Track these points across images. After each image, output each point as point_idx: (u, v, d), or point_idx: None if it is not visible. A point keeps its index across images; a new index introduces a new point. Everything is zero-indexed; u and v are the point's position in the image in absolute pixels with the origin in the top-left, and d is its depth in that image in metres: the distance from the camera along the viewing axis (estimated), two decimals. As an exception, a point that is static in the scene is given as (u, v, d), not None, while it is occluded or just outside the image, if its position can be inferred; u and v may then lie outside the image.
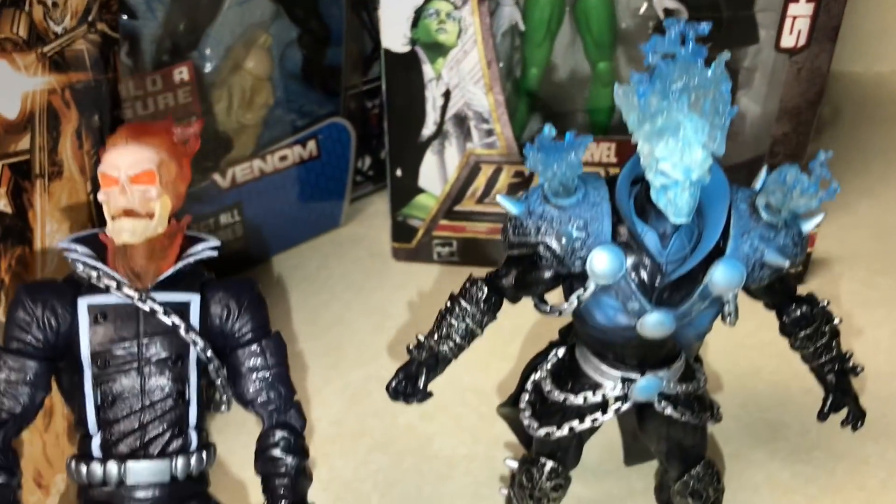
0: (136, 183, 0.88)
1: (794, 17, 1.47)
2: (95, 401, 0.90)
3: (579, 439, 1.01)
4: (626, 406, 0.95)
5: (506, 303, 1.64)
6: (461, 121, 1.55)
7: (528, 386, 1.01)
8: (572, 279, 0.88)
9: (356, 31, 1.74)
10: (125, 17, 1.43)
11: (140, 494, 0.90)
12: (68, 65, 1.09)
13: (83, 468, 0.90)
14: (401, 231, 1.69)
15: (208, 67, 1.57)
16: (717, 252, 0.85)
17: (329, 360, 1.50)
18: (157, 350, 0.90)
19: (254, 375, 0.95)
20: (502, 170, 1.58)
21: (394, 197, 1.66)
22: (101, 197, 0.89)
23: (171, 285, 0.91)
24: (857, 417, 0.98)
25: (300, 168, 1.71)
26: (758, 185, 0.87)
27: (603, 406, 0.96)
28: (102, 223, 0.93)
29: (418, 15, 1.45)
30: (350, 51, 1.74)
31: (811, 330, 0.93)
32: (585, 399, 0.95)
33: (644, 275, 0.85)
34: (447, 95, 1.52)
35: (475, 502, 1.24)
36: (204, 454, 0.94)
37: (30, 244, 1.04)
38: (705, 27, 0.77)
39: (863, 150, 2.09)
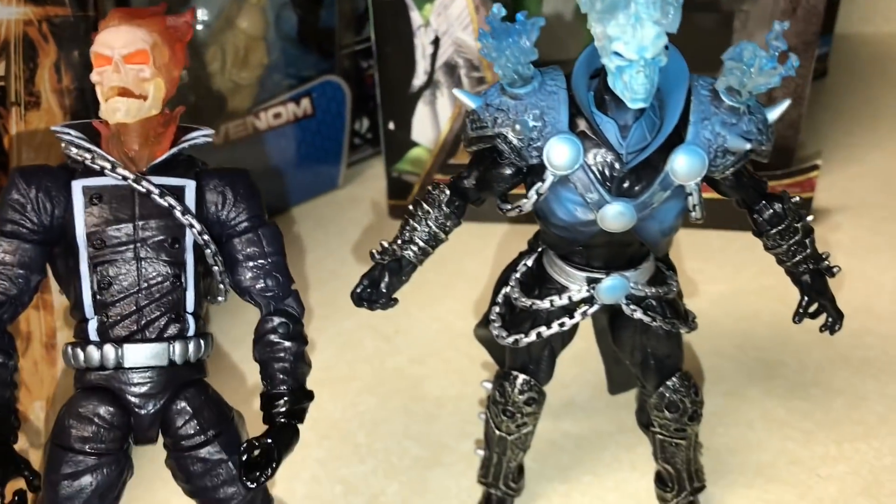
0: (129, 62, 0.87)
1: (788, -45, 1.45)
2: (92, 284, 0.88)
3: (551, 351, 0.99)
4: (592, 309, 0.93)
5: (498, 249, 1.63)
6: (452, 69, 1.54)
7: (499, 299, 0.99)
8: (532, 175, 0.86)
9: (349, -11, 1.74)
10: (115, -28, 1.45)
11: (137, 378, 0.89)
12: (45, -2, 1.10)
13: (80, 353, 0.89)
14: (396, 187, 1.68)
15: (200, 25, 1.58)
16: (679, 140, 0.83)
17: (322, 311, 1.50)
18: (152, 232, 0.89)
19: (251, 263, 0.94)
20: (495, 119, 1.57)
21: (388, 152, 1.65)
22: (94, 77, 0.88)
23: (166, 170, 0.90)
24: (834, 320, 0.95)
25: (295, 126, 1.71)
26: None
27: (570, 310, 0.94)
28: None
29: (404, -40, 1.45)
30: (343, 9, 1.74)
31: (783, 226, 0.90)
32: (552, 303, 0.93)
33: (603, 165, 0.83)
34: (436, 43, 1.52)
35: (461, 439, 1.23)
36: (201, 341, 0.92)
37: (4, 169, 1.05)
38: None
39: (873, 105, 2.05)
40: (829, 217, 1.67)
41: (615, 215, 0.84)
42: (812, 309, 0.95)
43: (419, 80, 1.55)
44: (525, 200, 0.87)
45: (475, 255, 1.61)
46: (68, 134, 0.89)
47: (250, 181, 0.95)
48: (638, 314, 0.93)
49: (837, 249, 1.57)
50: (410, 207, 0.91)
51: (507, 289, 0.98)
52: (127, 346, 0.88)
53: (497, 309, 0.98)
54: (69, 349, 0.90)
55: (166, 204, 0.89)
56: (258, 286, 0.94)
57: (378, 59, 1.55)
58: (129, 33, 0.88)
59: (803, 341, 1.36)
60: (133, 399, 0.89)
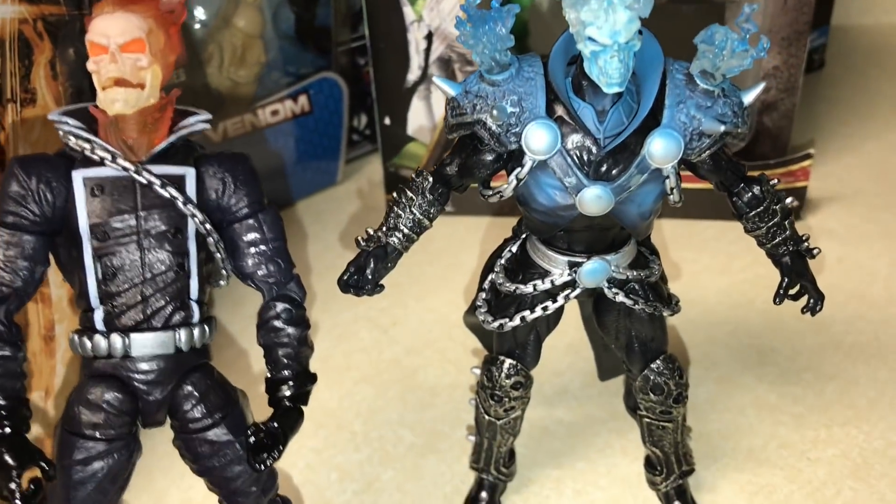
0: (125, 51, 0.86)
1: (776, -57, 1.46)
2: (96, 274, 0.89)
3: (537, 336, 1.00)
4: (575, 293, 0.94)
5: (492, 241, 1.64)
6: (446, 64, 1.56)
7: (485, 285, 1.00)
8: (512, 161, 0.88)
9: (344, -14, 1.76)
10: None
11: (144, 366, 0.90)
12: (40, -4, 1.12)
13: (87, 342, 0.90)
14: (393, 182, 1.70)
15: (197, 24, 1.60)
16: (655, 124, 0.84)
17: (319, 304, 1.52)
18: (155, 223, 0.90)
19: (252, 249, 0.94)
20: (489, 113, 1.58)
21: (384, 147, 1.67)
22: (90, 66, 0.87)
23: (165, 158, 0.90)
24: (815, 300, 0.96)
25: (293, 123, 1.73)
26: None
27: (553, 294, 0.95)
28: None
29: (396, -44, 1.46)
30: (339, 6, 1.76)
31: (762, 208, 0.91)
32: (535, 287, 0.94)
33: (580, 150, 0.85)
34: (429, 38, 1.53)
35: (455, 426, 1.24)
36: (206, 327, 0.93)
37: (2, 165, 1.07)
38: None
39: (870, 96, 2.06)
40: (823, 205, 1.67)
41: (593, 199, 0.85)
42: (793, 290, 0.96)
43: (413, 75, 1.57)
44: (505, 186, 0.88)
45: (468, 247, 1.63)
46: (66, 123, 0.89)
47: (250, 166, 0.95)
48: (620, 297, 0.94)
49: (831, 237, 1.58)
50: (395, 195, 0.93)
51: (493, 275, 0.99)
52: (133, 336, 0.89)
53: (483, 295, 1.00)
54: (76, 337, 0.91)
55: (168, 195, 0.89)
56: (260, 272, 0.95)
57: (372, 55, 1.57)
58: (125, 21, 0.87)
59: (796, 328, 1.37)
60: (141, 386, 0.90)
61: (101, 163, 0.88)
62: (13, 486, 0.86)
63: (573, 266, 0.93)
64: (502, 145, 0.86)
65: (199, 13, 1.59)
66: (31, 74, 1.11)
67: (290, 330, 0.96)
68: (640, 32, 0.79)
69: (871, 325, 1.37)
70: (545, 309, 0.95)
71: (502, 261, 0.98)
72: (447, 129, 0.89)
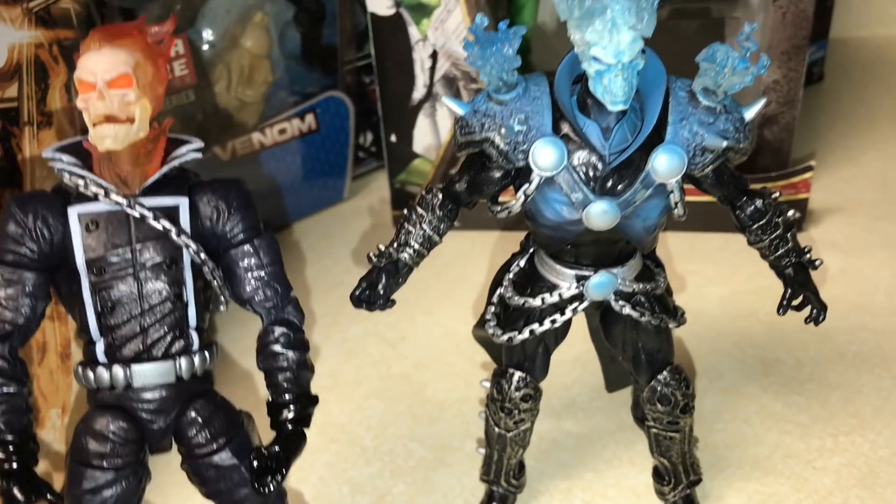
0: (113, 87, 0.87)
1: (774, -40, 1.48)
2: (95, 308, 0.90)
3: (545, 349, 1.02)
4: (582, 306, 0.96)
5: (498, 255, 1.66)
6: (450, 82, 1.58)
7: (494, 299, 1.02)
8: (520, 178, 0.90)
9: (349, 6, 1.79)
10: (122, -4, 1.50)
11: (148, 395, 0.92)
12: (55, 21, 1.15)
13: (90, 374, 0.91)
14: (400, 198, 1.72)
15: (205, 45, 1.62)
16: (658, 140, 0.86)
17: (328, 318, 1.54)
18: (150, 255, 0.91)
19: (249, 275, 0.95)
20: (493, 129, 1.61)
21: (390, 163, 1.69)
22: (79, 104, 0.88)
23: (159, 189, 0.91)
24: (818, 311, 0.98)
25: (300, 141, 1.75)
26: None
27: (561, 307, 0.97)
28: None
29: (401, -23, 1.49)
30: (344, 26, 1.79)
31: (764, 221, 0.93)
32: (543, 300, 0.96)
33: (586, 166, 0.87)
34: (434, 57, 1.56)
35: (465, 439, 1.26)
36: (206, 353, 0.95)
37: (19, 186, 1.10)
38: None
39: (869, 108, 2.08)
40: (825, 217, 1.69)
41: (599, 213, 0.87)
42: (796, 301, 0.98)
43: (419, 93, 1.60)
44: (513, 202, 0.90)
45: (476, 262, 1.65)
46: (60, 161, 0.90)
47: (243, 191, 0.96)
48: (627, 310, 0.96)
49: (833, 248, 1.59)
50: (405, 212, 0.95)
51: (501, 289, 1.01)
52: (135, 367, 0.91)
53: (492, 309, 1.02)
54: (79, 369, 0.93)
55: (161, 227, 0.90)
56: (258, 297, 0.96)
57: (378, 74, 1.59)
58: (111, 56, 0.87)
59: (800, 338, 1.39)
60: (145, 415, 0.92)
61: (95, 198, 0.89)
62: None
63: (580, 279, 0.95)
64: (510, 162, 0.88)
65: (208, 34, 1.62)
66: (48, 97, 1.14)
67: (290, 354, 0.96)
68: (643, 51, 0.82)
69: (874, 335, 1.39)
70: (553, 322, 0.97)
71: (511, 275, 1.00)
72: (456, 147, 0.91)
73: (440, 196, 0.93)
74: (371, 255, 0.95)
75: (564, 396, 1.32)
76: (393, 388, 1.38)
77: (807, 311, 0.99)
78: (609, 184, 0.87)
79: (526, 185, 0.88)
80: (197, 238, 0.92)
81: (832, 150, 1.91)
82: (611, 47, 0.79)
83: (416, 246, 0.94)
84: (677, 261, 1.60)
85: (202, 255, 0.92)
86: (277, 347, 0.96)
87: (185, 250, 0.92)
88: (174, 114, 1.59)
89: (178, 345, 0.93)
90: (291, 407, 0.96)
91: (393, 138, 1.65)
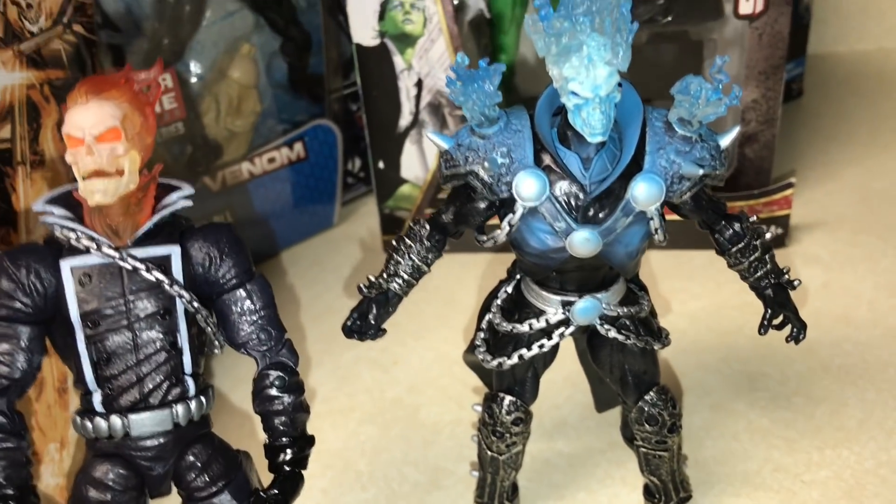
0: (101, 142, 0.87)
1: (750, -17, 1.52)
2: (91, 359, 0.91)
3: (534, 373, 1.04)
4: (569, 331, 0.99)
5: (487, 278, 1.68)
6: (436, 109, 1.61)
7: (483, 325, 1.05)
8: (504, 208, 0.93)
9: (335, 36, 1.82)
10: (111, 32, 1.53)
11: (146, 444, 0.93)
12: (46, 62, 1.17)
13: (88, 424, 0.92)
14: (389, 223, 1.75)
15: (194, 78, 1.65)
16: (637, 169, 0.89)
17: (321, 345, 1.55)
18: (144, 305, 0.91)
19: (243, 319, 0.96)
20: (479, 154, 1.63)
21: (379, 189, 1.72)
22: (68, 158, 0.89)
23: (150, 238, 0.92)
24: (799, 329, 1.00)
25: (289, 170, 1.78)
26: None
27: (548, 332, 0.99)
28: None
29: (384, 8, 1.52)
30: (330, 55, 1.82)
31: (743, 244, 0.96)
32: (531, 326, 0.99)
33: (568, 196, 0.90)
34: (419, 84, 1.59)
35: (458, 462, 1.28)
36: (203, 399, 0.96)
37: (13, 225, 1.11)
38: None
39: (848, 123, 2.12)
40: (807, 232, 1.72)
41: (582, 241, 0.90)
42: (777, 321, 1.01)
43: (405, 120, 1.62)
44: (499, 231, 0.93)
45: (465, 285, 1.67)
46: (51, 214, 0.91)
47: (234, 236, 0.97)
48: (612, 333, 0.99)
49: (816, 263, 1.62)
50: (394, 243, 0.97)
51: (490, 315, 1.03)
52: (132, 416, 0.92)
53: (481, 335, 1.04)
54: (77, 419, 0.94)
55: (154, 279, 0.91)
56: (252, 341, 0.97)
57: (365, 103, 1.62)
58: (99, 110, 0.87)
59: (785, 353, 1.41)
60: (144, 462, 0.93)
61: (87, 251, 0.90)
62: None
63: (566, 305, 0.97)
64: (494, 194, 0.91)
65: (196, 67, 1.64)
66: (40, 137, 1.16)
67: (286, 398, 0.98)
68: (619, 84, 0.84)
69: (857, 348, 1.41)
70: (541, 347, 0.99)
71: (498, 301, 1.03)
72: (441, 179, 0.94)
73: (427, 227, 0.96)
74: (361, 285, 0.98)
75: (555, 416, 1.34)
76: (386, 413, 1.39)
77: (787, 329, 1.01)
78: (591, 212, 0.90)
79: (510, 216, 0.91)
80: (190, 285, 0.93)
81: (812, 165, 1.94)
82: (588, 82, 0.82)
83: (405, 276, 0.96)
84: (662, 278, 1.63)
85: (195, 304, 0.93)
86: (273, 391, 0.97)
87: (178, 300, 0.92)
88: (164, 147, 1.61)
89: (175, 392, 0.94)
90: (288, 450, 0.98)
91: (381, 165, 1.68)
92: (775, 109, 1.62)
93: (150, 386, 0.93)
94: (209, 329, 0.96)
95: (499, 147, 0.89)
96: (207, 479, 0.94)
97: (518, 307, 1.01)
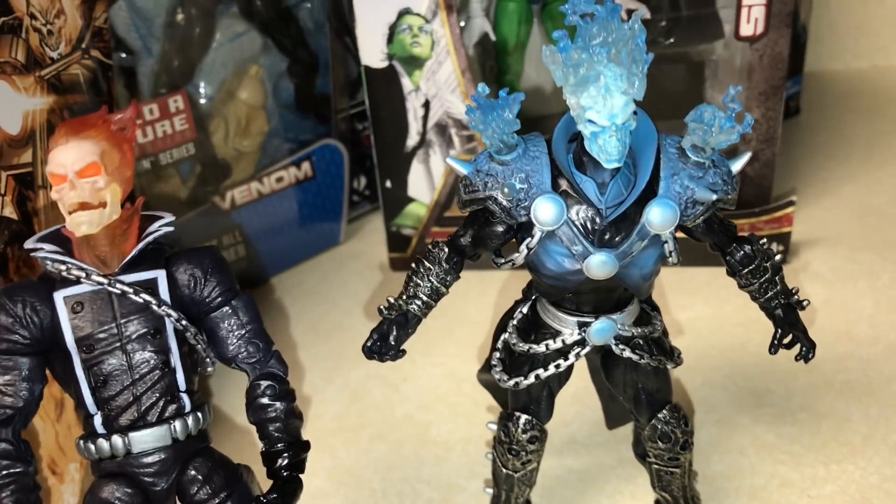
0: (83, 177, 0.92)
1: (750, 7, 1.55)
2: (89, 383, 0.96)
3: (549, 392, 1.06)
4: (585, 350, 1.01)
5: (497, 296, 1.70)
6: (442, 129, 1.63)
7: (499, 345, 1.07)
8: (522, 232, 0.95)
9: (341, 57, 1.85)
10: (123, 55, 1.55)
11: (148, 460, 0.97)
12: (65, 87, 1.19)
13: (91, 446, 0.96)
14: (395, 241, 1.77)
15: (203, 99, 1.67)
16: (652, 194, 0.92)
17: (330, 363, 1.57)
18: (135, 327, 0.96)
19: (231, 335, 1.01)
20: (486, 173, 1.66)
21: (386, 208, 1.74)
22: (53, 195, 0.94)
23: (137, 265, 0.97)
24: (808, 349, 1.03)
25: (297, 189, 1.80)
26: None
27: (564, 352, 1.02)
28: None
29: (392, 31, 1.55)
30: (337, 76, 1.84)
31: (754, 266, 0.99)
32: (547, 346, 1.01)
33: (585, 220, 0.92)
34: (427, 106, 1.61)
35: (471, 479, 1.30)
36: (199, 414, 1.00)
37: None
38: (621, -15, 0.85)
39: (845, 140, 2.15)
40: (807, 249, 1.75)
41: (599, 264, 0.93)
42: (786, 340, 1.03)
43: (412, 140, 1.65)
44: (517, 255, 0.95)
45: (475, 303, 1.69)
46: (42, 250, 0.96)
47: (217, 256, 1.02)
48: (627, 353, 1.01)
49: (816, 279, 1.65)
50: (413, 265, 1.00)
51: (506, 335, 1.06)
52: (132, 434, 0.96)
53: (497, 354, 1.06)
54: (81, 443, 0.98)
55: (142, 300, 0.96)
56: (241, 355, 1.01)
57: (373, 123, 1.64)
58: (78, 148, 0.93)
59: (789, 369, 1.44)
60: (147, 479, 0.97)
61: (78, 281, 0.95)
62: None
63: (582, 325, 1.00)
64: (513, 218, 0.93)
65: (205, 88, 1.67)
66: (60, 161, 1.18)
67: (278, 405, 1.02)
68: (634, 113, 0.87)
69: (859, 363, 1.44)
70: (558, 367, 1.01)
71: (514, 322, 1.05)
72: (460, 204, 0.96)
73: (446, 250, 0.98)
74: (381, 307, 1.00)
75: (565, 433, 1.36)
76: (397, 430, 1.41)
77: (796, 348, 1.04)
78: (607, 236, 0.92)
79: (528, 240, 0.93)
80: (177, 306, 0.98)
81: (811, 182, 1.98)
82: (605, 111, 0.84)
83: (425, 298, 0.99)
84: (666, 295, 1.65)
85: (183, 322, 0.98)
86: (265, 400, 1.01)
87: (167, 320, 0.97)
88: (175, 167, 1.63)
89: (171, 409, 0.98)
90: (285, 455, 1.01)
91: (388, 184, 1.70)
92: (775, 129, 1.66)
93: (147, 404, 0.97)
94: (199, 346, 1.00)
95: (517, 173, 0.91)
96: (210, 490, 0.97)
97: (534, 327, 1.04)
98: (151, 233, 0.98)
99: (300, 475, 1.02)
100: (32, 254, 0.96)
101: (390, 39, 1.56)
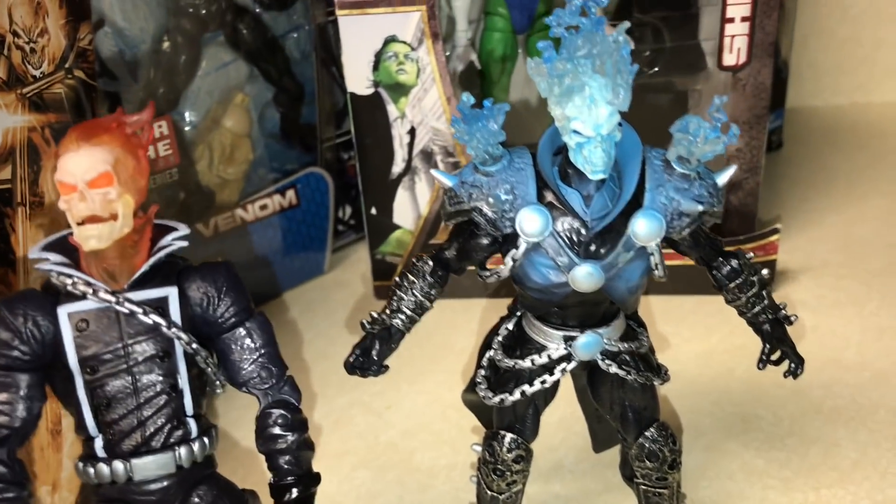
0: (94, 187, 0.86)
1: (733, 37, 1.57)
2: (91, 405, 0.90)
3: (535, 410, 1.05)
4: (571, 366, 0.99)
5: (480, 323, 1.69)
6: (428, 156, 1.63)
7: (484, 362, 1.05)
8: (507, 244, 0.94)
9: (327, 87, 1.85)
10: (107, 79, 1.54)
11: (150, 487, 0.92)
12: (47, 106, 1.18)
13: (91, 470, 0.91)
14: (380, 269, 1.76)
15: (188, 126, 1.67)
16: (637, 206, 0.91)
17: (314, 390, 1.55)
18: (142, 349, 0.91)
19: (244, 358, 0.96)
20: (471, 201, 1.66)
21: (371, 236, 1.73)
22: (61, 205, 0.88)
23: (147, 280, 0.91)
24: (797, 364, 1.02)
25: (281, 216, 1.79)
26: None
27: (550, 367, 1.00)
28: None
29: (378, 58, 1.55)
30: (323, 105, 1.85)
31: (741, 280, 0.98)
32: (533, 361, 1.00)
33: (570, 231, 0.91)
34: (412, 133, 1.62)
35: (455, 506, 1.27)
36: (206, 439, 0.94)
37: (12, 266, 1.11)
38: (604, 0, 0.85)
39: (827, 173, 2.17)
40: (792, 277, 1.75)
41: (585, 276, 0.92)
42: (775, 357, 1.02)
43: (398, 167, 1.65)
44: (502, 267, 0.94)
45: (459, 330, 1.67)
46: (47, 261, 0.90)
47: (232, 273, 0.97)
48: (613, 368, 1.00)
49: (803, 307, 1.65)
50: (397, 279, 0.98)
51: (491, 352, 1.04)
52: (135, 461, 0.91)
53: (482, 372, 1.05)
54: (80, 465, 0.93)
55: (151, 322, 0.90)
56: (254, 380, 0.96)
57: (358, 150, 1.64)
58: (90, 156, 0.87)
59: (777, 395, 1.43)
60: None
61: (84, 296, 0.89)
62: None
63: (568, 340, 0.99)
64: (498, 229, 0.92)
65: (190, 115, 1.67)
66: (40, 179, 1.17)
67: (289, 436, 0.97)
68: (619, 124, 0.87)
69: (847, 389, 1.43)
70: (543, 382, 1.00)
71: (500, 338, 1.04)
72: (445, 217, 0.95)
73: (430, 263, 0.97)
74: (364, 321, 0.98)
75: (551, 458, 1.34)
76: (381, 458, 1.39)
77: (785, 365, 1.03)
78: (592, 248, 0.92)
79: (513, 251, 0.92)
80: (188, 326, 0.93)
81: (795, 213, 1.99)
82: (590, 121, 0.84)
83: (408, 312, 0.97)
84: (652, 322, 1.64)
85: (194, 346, 0.92)
86: (277, 430, 0.97)
87: (176, 341, 0.92)
88: (158, 193, 1.62)
89: (177, 434, 0.93)
90: (294, 489, 0.97)
91: (373, 211, 1.69)
92: (759, 158, 1.67)
93: (152, 429, 0.92)
94: (209, 370, 0.95)
95: (502, 184, 0.91)
96: None
97: (519, 343, 1.02)
98: (163, 247, 0.92)
99: None
100: (37, 265, 0.91)
101: (376, 66, 1.56)
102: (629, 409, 1.03)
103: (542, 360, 0.99)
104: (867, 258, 1.79)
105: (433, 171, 0.94)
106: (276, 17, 1.73)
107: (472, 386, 1.08)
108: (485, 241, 0.95)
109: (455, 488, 1.30)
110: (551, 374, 1.00)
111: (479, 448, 1.09)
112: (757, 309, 0.99)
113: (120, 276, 0.91)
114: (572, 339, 0.98)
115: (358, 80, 1.58)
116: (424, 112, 1.59)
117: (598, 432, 1.23)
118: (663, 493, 1.06)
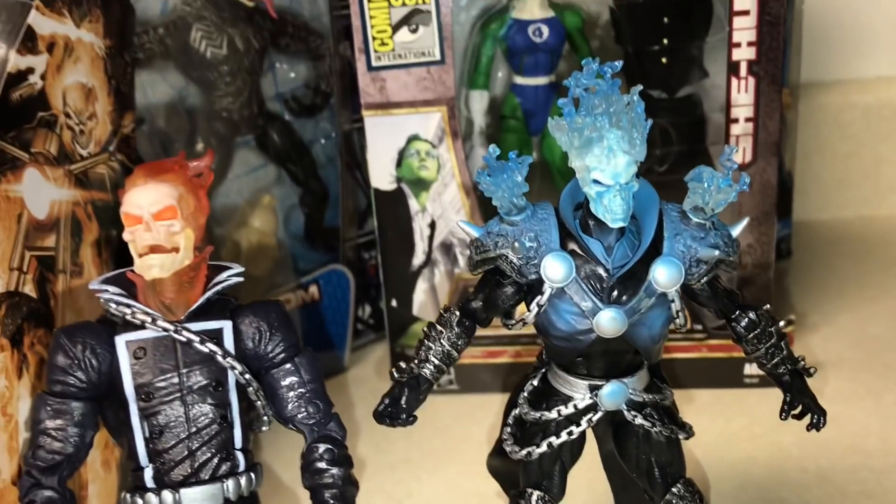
0: (159, 219, 0.92)
1: (738, 137, 1.65)
2: (144, 433, 0.93)
3: (562, 467, 1.05)
4: (597, 416, 1.01)
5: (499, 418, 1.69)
6: (447, 248, 1.69)
7: (510, 420, 1.06)
8: (532, 292, 0.98)
9: (351, 189, 1.93)
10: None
11: None
12: (91, 183, 1.25)
13: (139, 500, 0.93)
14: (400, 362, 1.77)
15: (216, 225, 1.74)
16: (657, 254, 0.95)
17: (333, 480, 1.54)
18: (197, 378, 0.94)
19: (291, 393, 0.98)
20: (489, 293, 1.70)
21: (391, 328, 1.76)
22: (126, 236, 0.94)
23: (202, 314, 0.96)
24: (818, 416, 1.03)
25: (302, 311, 1.83)
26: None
27: (576, 419, 1.01)
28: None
29: (401, 155, 1.64)
30: (346, 207, 1.92)
31: (759, 331, 1.01)
32: (559, 412, 1.01)
33: (593, 278, 0.95)
34: (433, 226, 1.68)
35: (478, 588, 1.24)
36: (252, 475, 0.96)
37: (51, 328, 1.15)
38: (618, 63, 0.93)
39: (837, 278, 2.21)
40: (809, 371, 1.76)
41: (609, 320, 0.95)
42: (796, 410, 1.03)
43: (418, 259, 1.70)
44: (527, 314, 0.98)
45: (477, 422, 1.67)
46: (107, 291, 0.95)
47: (283, 311, 1.01)
48: (639, 420, 1.01)
49: (821, 398, 1.62)
50: (425, 329, 1.02)
51: (517, 409, 1.05)
52: (183, 491, 0.93)
53: (508, 429, 1.06)
54: (128, 497, 0.94)
55: (208, 350, 0.94)
56: (300, 415, 0.99)
57: (380, 244, 1.70)
58: (156, 191, 0.94)
59: (801, 480, 1.41)
60: None
61: (142, 325, 0.93)
62: None
63: (594, 389, 1.00)
64: (523, 276, 0.96)
65: (220, 214, 1.74)
66: (80, 250, 1.22)
67: (334, 470, 0.98)
68: (637, 176, 0.92)
69: (872, 474, 1.42)
70: (570, 433, 1.01)
71: (525, 393, 1.05)
72: (471, 266, 1.00)
73: (458, 314, 1.01)
74: (393, 371, 1.01)
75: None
76: (402, 543, 1.36)
77: (807, 419, 1.04)
78: (615, 293, 0.95)
79: (539, 297, 0.96)
80: (240, 359, 0.96)
81: (808, 314, 2.01)
82: (609, 170, 0.90)
83: (436, 361, 1.00)
84: (673, 414, 1.64)
85: (247, 376, 0.96)
86: (322, 465, 0.98)
87: (230, 372, 0.95)
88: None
89: (225, 467, 0.95)
90: None
91: (394, 303, 1.73)
92: (769, 254, 1.71)
93: (202, 460, 0.94)
94: (259, 402, 0.97)
95: (527, 232, 0.96)
96: None
97: (545, 396, 1.04)
98: (220, 282, 0.97)
99: None
100: (97, 294, 0.94)
101: (399, 163, 1.64)
102: (655, 466, 1.04)
103: (568, 410, 1.01)
104: (883, 354, 1.81)
105: (459, 223, 0.99)
106: (304, 123, 1.83)
107: (497, 449, 1.08)
108: (510, 289, 0.99)
109: (477, 571, 1.28)
110: (577, 425, 1.01)
111: (503, 512, 1.08)
112: (776, 360, 1.02)
113: (176, 310, 0.96)
114: (598, 388, 1.00)
115: (382, 176, 1.66)
116: (444, 206, 1.66)
117: (621, 499, 1.22)
118: (692, 552, 1.05)
